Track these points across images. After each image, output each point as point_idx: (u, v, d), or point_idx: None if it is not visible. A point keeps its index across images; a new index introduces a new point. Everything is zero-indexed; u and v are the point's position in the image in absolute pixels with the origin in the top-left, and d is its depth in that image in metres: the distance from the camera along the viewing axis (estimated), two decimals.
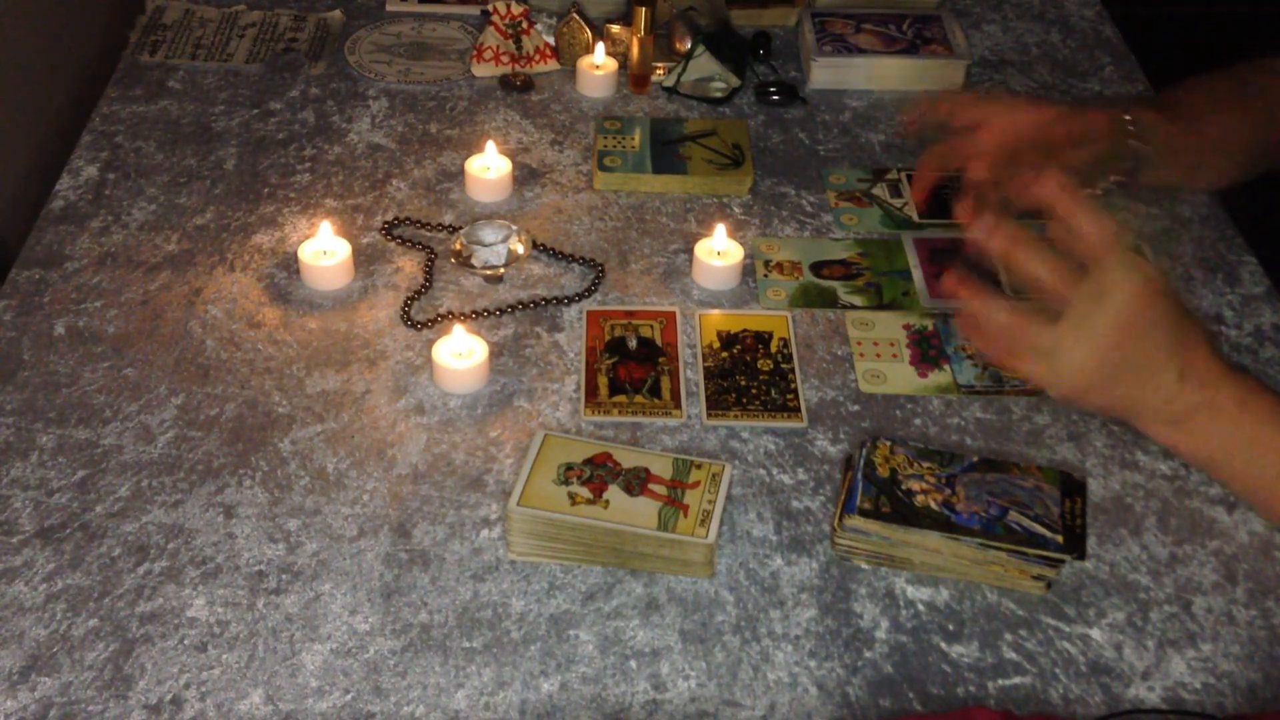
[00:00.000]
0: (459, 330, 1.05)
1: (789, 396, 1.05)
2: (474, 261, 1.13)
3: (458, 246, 1.14)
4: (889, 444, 0.96)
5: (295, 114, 1.35)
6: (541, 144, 1.32)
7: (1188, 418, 0.89)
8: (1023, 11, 1.56)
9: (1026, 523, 0.90)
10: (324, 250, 1.14)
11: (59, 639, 0.86)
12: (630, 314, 1.12)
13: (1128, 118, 1.11)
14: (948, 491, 0.93)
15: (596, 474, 0.94)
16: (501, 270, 1.14)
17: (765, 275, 1.17)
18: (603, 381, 1.06)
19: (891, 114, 1.38)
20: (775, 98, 1.38)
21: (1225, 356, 0.90)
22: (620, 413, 1.03)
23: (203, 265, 1.16)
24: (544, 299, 1.13)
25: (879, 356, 1.09)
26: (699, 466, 0.95)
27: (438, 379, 1.05)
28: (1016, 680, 0.86)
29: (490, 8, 1.40)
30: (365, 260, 1.17)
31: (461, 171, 1.26)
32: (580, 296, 1.14)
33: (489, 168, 1.24)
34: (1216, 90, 1.18)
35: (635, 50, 1.37)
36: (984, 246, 0.91)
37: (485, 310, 1.12)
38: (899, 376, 1.07)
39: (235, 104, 1.36)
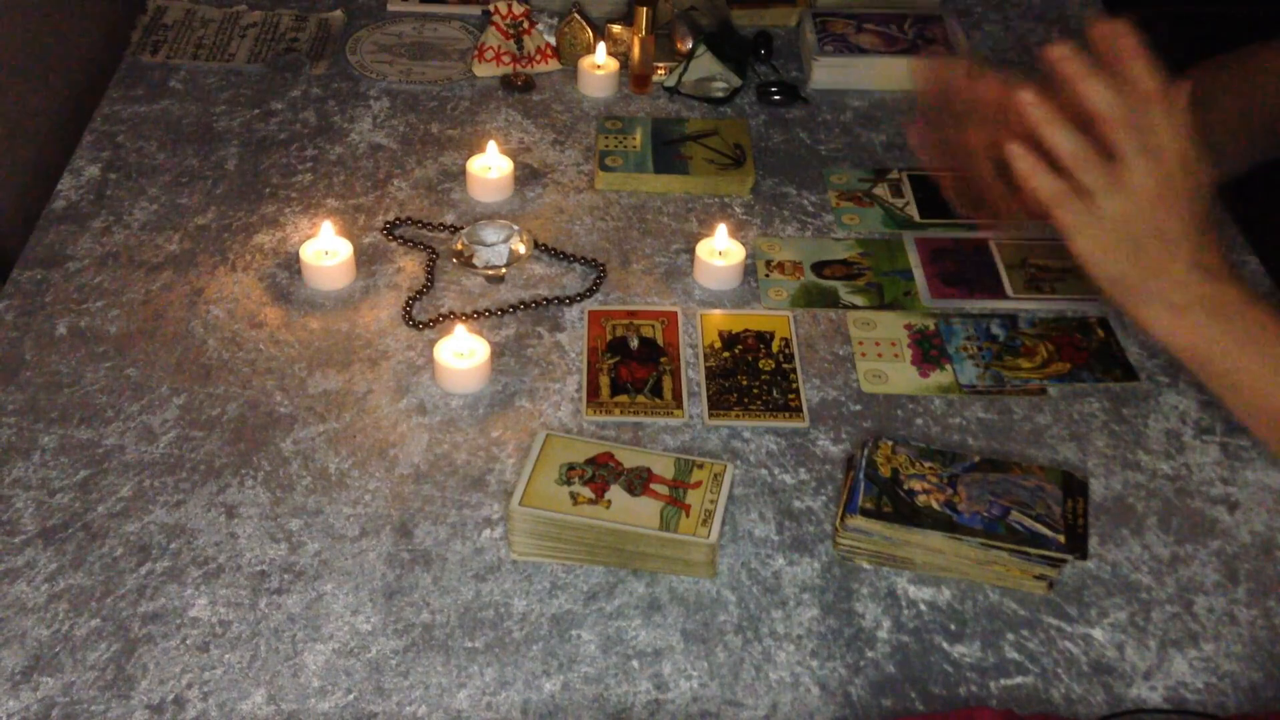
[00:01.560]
0: (460, 330, 1.05)
1: (790, 396, 1.05)
2: (475, 261, 1.14)
3: (459, 246, 1.14)
4: (891, 444, 0.96)
5: (297, 114, 1.35)
6: (543, 144, 1.32)
7: (1188, 308, 0.89)
8: (1024, 11, 1.56)
9: (1028, 522, 0.90)
10: (325, 250, 1.14)
11: (61, 639, 0.87)
12: (632, 314, 1.12)
13: None
14: (950, 491, 0.93)
15: (598, 474, 0.94)
16: (503, 270, 1.14)
17: (767, 275, 1.17)
18: (604, 381, 1.06)
19: (892, 114, 1.38)
20: (776, 97, 1.38)
21: (1230, 257, 0.90)
22: (622, 412, 1.03)
23: (204, 265, 1.16)
24: (545, 299, 1.13)
25: (880, 356, 1.09)
26: (701, 466, 0.95)
27: (439, 379, 1.05)
28: (1018, 680, 0.86)
29: (491, 8, 1.40)
30: (367, 260, 1.17)
31: (463, 171, 1.26)
32: (582, 296, 1.14)
33: (490, 168, 1.24)
34: (1221, 75, 1.18)
35: (636, 50, 1.37)
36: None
37: (487, 310, 1.12)
38: (900, 376, 1.07)
39: (237, 104, 1.36)
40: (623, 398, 1.05)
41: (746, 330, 1.11)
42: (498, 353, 1.08)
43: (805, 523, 0.95)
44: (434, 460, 0.99)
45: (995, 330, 1.11)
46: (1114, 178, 0.86)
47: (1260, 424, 0.93)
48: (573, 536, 0.91)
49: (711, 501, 0.92)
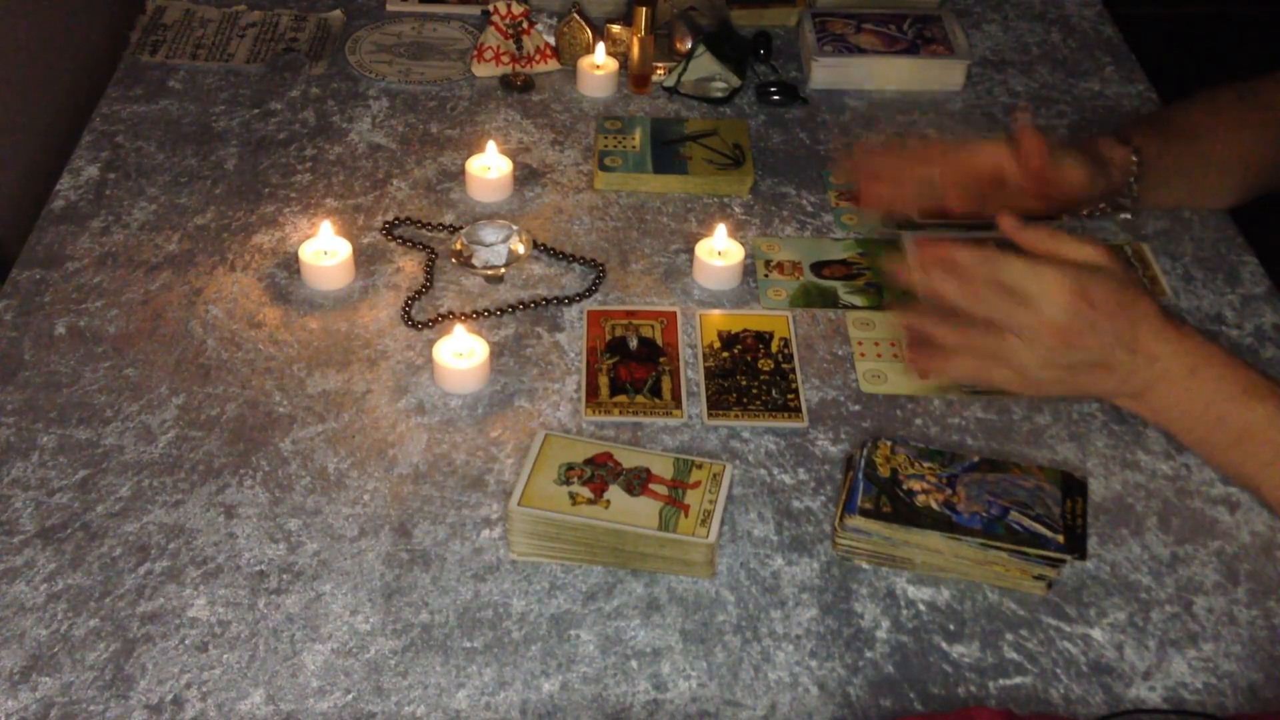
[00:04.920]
0: (460, 330, 1.05)
1: (790, 396, 1.05)
2: (475, 261, 1.13)
3: (458, 246, 1.14)
4: (890, 444, 0.96)
5: (296, 114, 1.35)
6: (542, 144, 1.32)
7: (1146, 390, 0.95)
8: (1023, 11, 1.56)
9: (1028, 523, 0.90)
10: (325, 250, 1.14)
11: (60, 639, 0.86)
12: (631, 314, 1.12)
13: (1134, 159, 1.12)
14: (949, 491, 0.93)
15: (597, 474, 0.94)
16: (502, 270, 1.14)
17: (766, 275, 1.17)
18: (603, 381, 1.06)
19: (893, 114, 1.38)
20: (776, 97, 1.38)
21: (1178, 324, 0.95)
22: (621, 413, 1.03)
23: (203, 265, 1.16)
24: (545, 299, 1.13)
25: (880, 356, 1.09)
26: (700, 466, 0.95)
27: (438, 379, 1.05)
28: (1017, 680, 0.86)
29: (491, 8, 1.40)
30: (366, 260, 1.17)
31: (462, 171, 1.26)
32: (581, 296, 1.14)
33: (489, 167, 1.24)
34: (1219, 105, 1.17)
35: (636, 50, 1.37)
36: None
37: (486, 310, 1.12)
38: (900, 376, 1.07)
39: (236, 104, 1.36)
40: (622, 398, 1.04)
41: (746, 330, 1.11)
42: (497, 353, 1.08)
43: (804, 523, 0.95)
44: (433, 460, 0.99)
45: None
46: (1014, 350, 0.93)
47: (1244, 484, 0.96)
48: (572, 536, 0.91)
49: (710, 501, 0.92)
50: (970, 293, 0.94)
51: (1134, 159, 1.13)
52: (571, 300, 1.13)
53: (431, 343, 1.06)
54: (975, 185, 1.11)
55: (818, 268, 1.18)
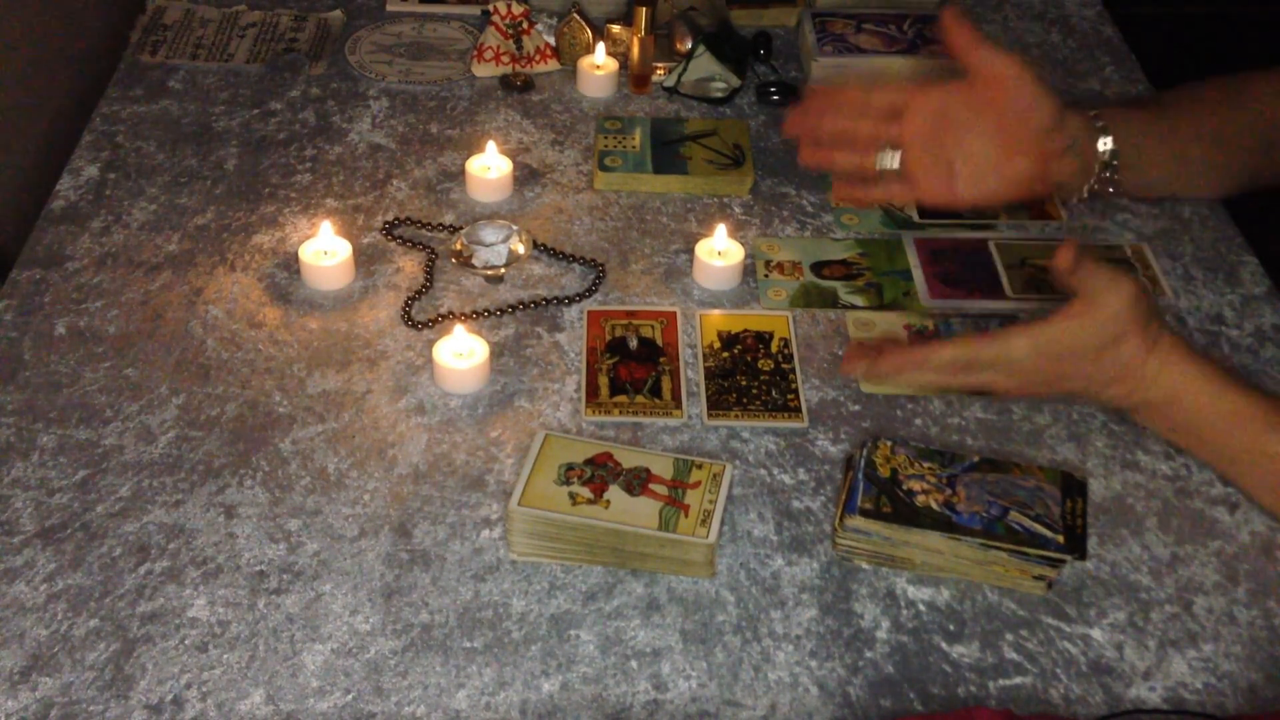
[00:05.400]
0: (460, 330, 1.05)
1: (790, 396, 1.05)
2: (475, 261, 1.14)
3: (458, 246, 1.14)
4: (890, 444, 0.96)
5: (296, 114, 1.35)
6: (542, 144, 1.32)
7: (1127, 409, 0.99)
8: (1023, 11, 1.56)
9: (1027, 523, 0.90)
10: (325, 250, 1.14)
11: (60, 639, 0.87)
12: (631, 314, 1.12)
13: (1093, 113, 1.12)
14: (949, 491, 0.93)
15: (597, 474, 0.94)
16: (502, 270, 1.14)
17: (766, 275, 1.17)
18: (603, 381, 1.06)
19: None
20: (776, 98, 1.38)
21: (1159, 357, 0.94)
22: (621, 413, 1.03)
23: (203, 265, 1.16)
24: (544, 299, 1.13)
25: None
26: (700, 466, 0.95)
27: (438, 379, 1.05)
28: (1017, 680, 0.86)
29: (491, 8, 1.40)
30: (366, 260, 1.17)
31: (462, 171, 1.26)
32: (581, 296, 1.14)
33: (489, 168, 1.24)
34: (1206, 94, 1.17)
35: (636, 50, 1.37)
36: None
37: (486, 310, 1.12)
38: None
39: (236, 104, 1.36)
40: (622, 398, 1.04)
41: (746, 330, 1.11)
42: (497, 353, 1.08)
43: (804, 523, 0.95)
44: (433, 460, 0.99)
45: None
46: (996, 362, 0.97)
47: (1237, 489, 0.98)
48: (572, 537, 0.91)
49: (710, 501, 0.92)
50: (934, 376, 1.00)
51: (1094, 116, 1.12)
52: (571, 300, 1.13)
53: (431, 343, 1.06)
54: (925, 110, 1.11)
55: (818, 268, 1.18)
